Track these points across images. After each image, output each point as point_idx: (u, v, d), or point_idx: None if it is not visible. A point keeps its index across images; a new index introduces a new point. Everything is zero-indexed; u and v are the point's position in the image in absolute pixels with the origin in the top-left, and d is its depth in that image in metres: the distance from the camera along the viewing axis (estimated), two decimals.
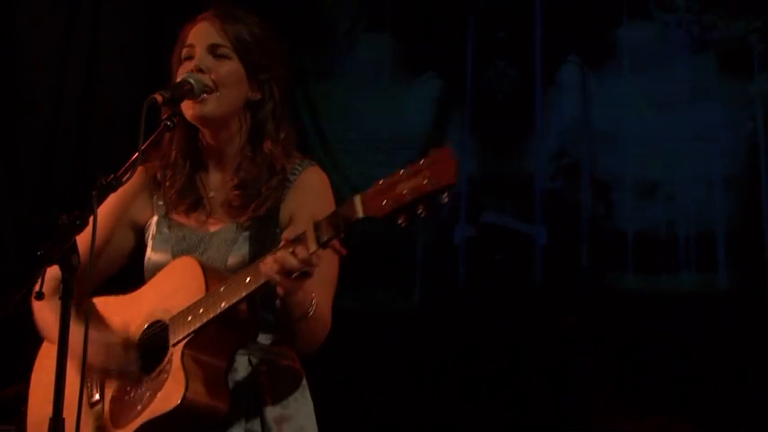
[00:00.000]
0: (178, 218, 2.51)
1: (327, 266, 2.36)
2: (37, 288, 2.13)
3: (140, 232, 2.56)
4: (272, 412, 2.39)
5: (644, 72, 5.69)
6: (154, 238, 2.51)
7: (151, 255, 2.50)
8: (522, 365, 5.32)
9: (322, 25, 6.08)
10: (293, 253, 2.13)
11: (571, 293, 5.49)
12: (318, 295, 2.31)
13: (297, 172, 2.46)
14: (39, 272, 2.12)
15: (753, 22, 5.55)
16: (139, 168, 2.54)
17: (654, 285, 5.56)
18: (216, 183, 2.52)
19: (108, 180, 2.23)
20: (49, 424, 2.06)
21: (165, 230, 2.50)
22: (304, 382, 2.49)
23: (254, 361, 2.41)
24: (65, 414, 2.06)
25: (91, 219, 2.16)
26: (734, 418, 4.99)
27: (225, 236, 2.43)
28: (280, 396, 2.41)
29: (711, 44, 5.62)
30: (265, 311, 2.41)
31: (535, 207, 5.77)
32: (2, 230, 5.38)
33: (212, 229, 2.47)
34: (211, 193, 2.51)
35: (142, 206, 2.56)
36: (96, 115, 5.59)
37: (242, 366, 2.40)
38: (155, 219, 2.53)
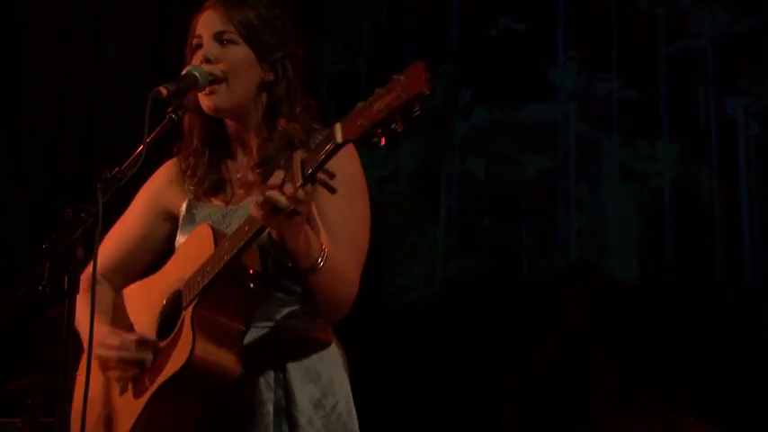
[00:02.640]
0: (205, 200, 2.52)
1: (346, 220, 2.35)
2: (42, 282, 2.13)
3: (176, 221, 2.57)
4: (298, 385, 2.37)
5: None
6: (182, 220, 2.53)
7: (179, 236, 2.53)
8: (526, 359, 5.31)
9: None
10: (280, 189, 2.10)
11: (572, 284, 5.47)
12: (340, 251, 2.29)
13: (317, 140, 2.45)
14: (43, 266, 2.12)
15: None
16: (173, 160, 2.60)
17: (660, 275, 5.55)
18: (239, 166, 2.53)
19: (113, 173, 2.23)
20: (56, 415, 2.11)
21: (193, 212, 2.52)
22: (337, 353, 2.46)
23: (280, 332, 2.38)
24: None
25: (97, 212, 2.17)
26: (744, 413, 4.97)
27: (247, 210, 2.42)
28: (307, 369, 2.38)
29: None
30: (290, 280, 2.38)
31: (542, 201, 5.77)
32: (8, 225, 5.38)
33: (235, 206, 2.47)
34: (237, 176, 2.52)
35: (175, 196, 2.57)
36: (102, 109, 5.60)
37: (268, 338, 2.38)
38: (185, 204, 2.54)
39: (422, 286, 5.80)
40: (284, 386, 2.36)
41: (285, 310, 2.40)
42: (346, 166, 2.24)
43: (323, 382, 2.40)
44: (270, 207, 2.11)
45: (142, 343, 2.37)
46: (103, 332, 2.38)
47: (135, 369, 2.36)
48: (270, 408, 2.34)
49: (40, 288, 2.13)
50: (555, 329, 5.24)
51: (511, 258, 5.74)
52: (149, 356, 2.35)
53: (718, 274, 5.37)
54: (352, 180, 2.37)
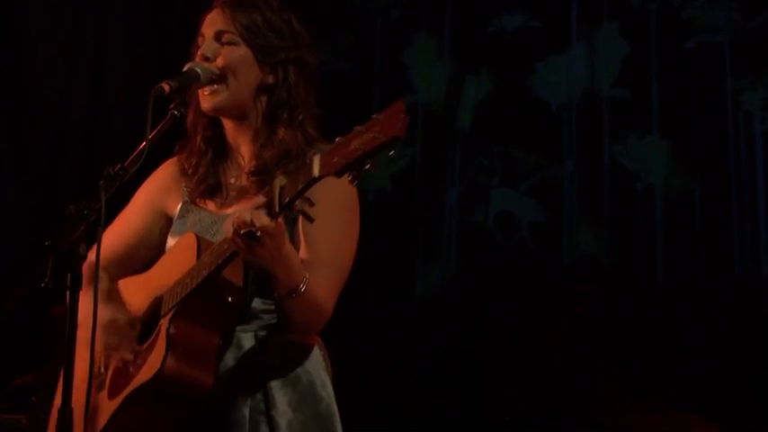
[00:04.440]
0: (198, 203, 2.52)
1: (330, 244, 2.34)
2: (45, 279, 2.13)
3: (171, 221, 2.57)
4: (278, 388, 2.36)
5: None
6: (175, 222, 2.53)
7: (169, 238, 2.52)
8: (532, 357, 5.31)
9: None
10: (251, 212, 2.11)
11: (576, 282, 5.48)
12: (319, 277, 2.29)
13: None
14: (46, 263, 2.12)
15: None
16: (173, 159, 2.59)
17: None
18: (236, 169, 2.52)
19: (115, 170, 2.23)
20: (58, 413, 2.10)
21: (185, 214, 2.51)
22: (318, 356, 2.44)
23: (260, 336, 2.38)
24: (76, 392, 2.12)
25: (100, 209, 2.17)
26: (752, 411, 4.96)
27: None
28: (286, 372, 2.38)
29: None
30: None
31: (546, 192, 5.78)
32: (11, 222, 5.39)
33: (227, 212, 2.45)
34: (232, 180, 2.51)
35: (172, 197, 2.57)
36: (104, 106, 5.60)
37: (247, 342, 2.37)
38: (179, 206, 2.54)
39: (427, 284, 5.80)
40: (263, 390, 2.35)
41: (265, 315, 2.39)
42: (337, 187, 2.21)
43: (303, 384, 2.39)
44: (238, 228, 2.12)
45: (133, 326, 2.40)
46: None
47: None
48: (246, 412, 2.33)
49: (43, 285, 2.13)
50: (559, 328, 5.24)
51: (516, 256, 5.74)
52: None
53: (736, 271, 5.37)
54: (341, 203, 2.35)
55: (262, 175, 2.42)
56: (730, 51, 5.54)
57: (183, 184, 2.55)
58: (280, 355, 2.38)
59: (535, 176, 5.80)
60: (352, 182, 2.02)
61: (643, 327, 5.34)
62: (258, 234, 2.11)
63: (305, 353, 2.41)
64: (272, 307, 2.36)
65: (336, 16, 6.00)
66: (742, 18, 5.55)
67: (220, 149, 2.53)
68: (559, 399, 5.08)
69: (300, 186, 2.06)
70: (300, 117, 2.44)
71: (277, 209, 2.09)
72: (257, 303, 2.37)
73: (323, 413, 2.40)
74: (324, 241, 2.32)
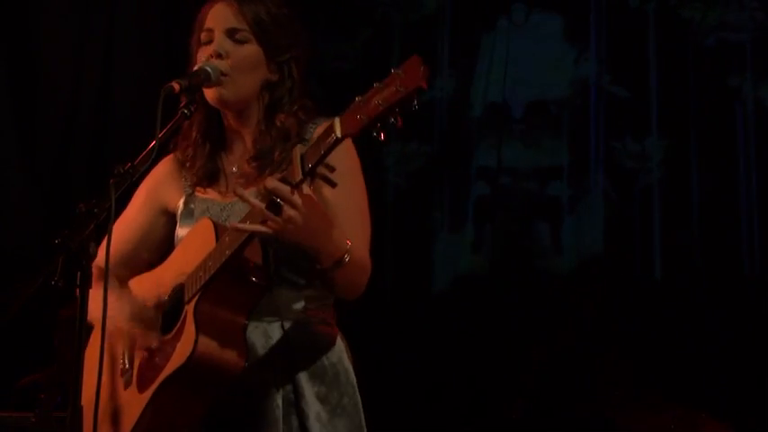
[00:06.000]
0: (202, 194, 2.53)
1: (352, 210, 2.37)
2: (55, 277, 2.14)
3: (173, 216, 2.58)
4: (306, 379, 2.38)
5: None
6: (181, 215, 2.54)
7: (178, 230, 2.53)
8: (539, 355, 5.31)
9: None
10: (280, 181, 2.12)
11: (585, 281, 5.48)
12: (351, 239, 2.30)
13: (312, 130, 2.45)
14: (56, 261, 2.12)
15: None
16: (170, 156, 2.60)
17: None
18: (236, 159, 2.53)
19: (125, 169, 2.24)
20: (68, 410, 2.11)
21: (191, 206, 2.52)
22: (342, 347, 2.47)
23: (287, 327, 2.39)
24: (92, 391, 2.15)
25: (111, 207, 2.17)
26: (754, 409, 4.96)
27: (244, 204, 2.39)
28: (314, 363, 2.40)
29: None
30: (295, 274, 2.39)
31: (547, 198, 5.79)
32: (22, 221, 5.40)
33: (233, 199, 2.47)
34: (233, 169, 2.53)
35: (172, 192, 2.58)
36: (114, 103, 5.60)
37: (275, 333, 2.39)
38: (182, 199, 2.55)
39: (434, 282, 5.81)
40: (292, 381, 2.38)
41: (291, 305, 2.41)
42: (345, 157, 2.27)
43: (329, 376, 2.41)
44: (271, 199, 2.12)
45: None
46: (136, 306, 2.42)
47: None
48: (279, 401, 2.35)
49: (52, 283, 2.13)
50: (567, 326, 5.24)
51: (522, 254, 5.74)
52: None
53: (745, 270, 5.36)
54: (351, 170, 2.39)
55: (263, 159, 2.44)
56: (751, 49, 5.53)
57: (183, 177, 2.56)
58: (306, 345, 2.40)
59: (543, 175, 5.80)
60: (377, 139, 2.02)
61: (650, 325, 5.34)
62: (289, 198, 2.11)
63: (330, 342, 2.44)
64: (299, 295, 2.39)
65: (354, 12, 6.01)
66: (764, 16, 5.55)
67: (218, 141, 2.55)
68: (567, 397, 5.08)
69: (323, 150, 2.07)
70: (296, 107, 2.48)
71: (301, 175, 2.10)
72: (282, 294, 2.39)
73: (348, 403, 2.43)
74: (347, 203, 2.35)
